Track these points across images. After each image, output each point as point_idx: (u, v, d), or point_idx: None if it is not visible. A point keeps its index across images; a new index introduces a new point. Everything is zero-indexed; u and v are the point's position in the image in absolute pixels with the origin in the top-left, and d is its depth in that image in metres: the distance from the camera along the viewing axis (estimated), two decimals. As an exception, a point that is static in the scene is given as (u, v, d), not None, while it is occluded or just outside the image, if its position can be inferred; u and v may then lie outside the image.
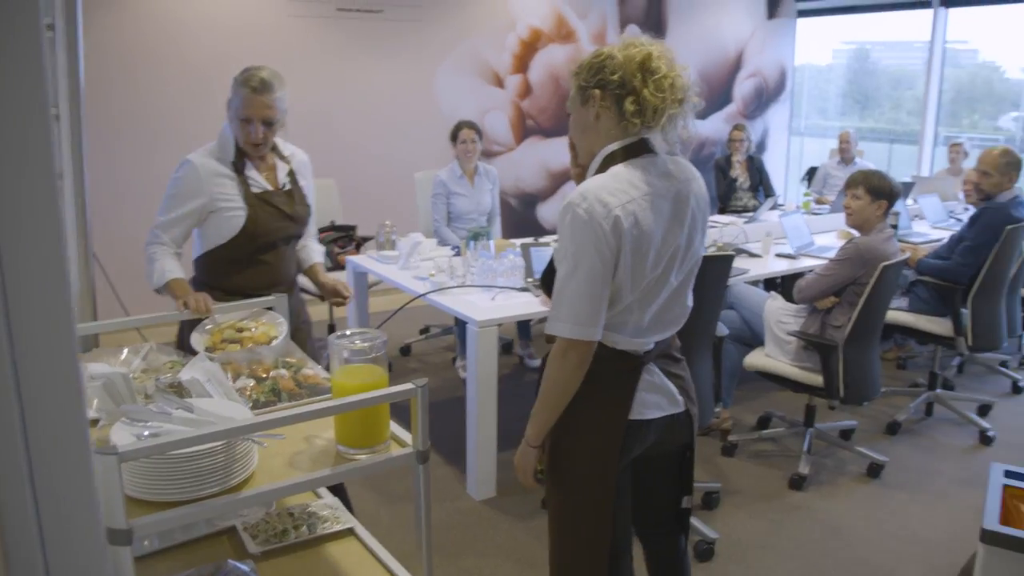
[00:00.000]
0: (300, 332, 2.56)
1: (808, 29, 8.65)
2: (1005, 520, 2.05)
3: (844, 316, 3.27)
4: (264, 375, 1.87)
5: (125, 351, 1.98)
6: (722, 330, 3.21)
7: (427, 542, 1.58)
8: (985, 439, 3.90)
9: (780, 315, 3.52)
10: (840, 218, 4.21)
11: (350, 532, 1.87)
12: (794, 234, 4.54)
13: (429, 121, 6.24)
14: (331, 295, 2.66)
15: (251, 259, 2.49)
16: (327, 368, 1.84)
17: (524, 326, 4.83)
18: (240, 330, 2.16)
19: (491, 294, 3.49)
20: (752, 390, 4.35)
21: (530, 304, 3.40)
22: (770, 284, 4.68)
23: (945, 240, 4.27)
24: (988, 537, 1.98)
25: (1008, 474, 2.22)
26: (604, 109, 1.66)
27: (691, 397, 1.86)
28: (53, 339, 0.67)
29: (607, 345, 1.69)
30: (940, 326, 4.03)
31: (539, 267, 3.61)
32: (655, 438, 1.80)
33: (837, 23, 9.06)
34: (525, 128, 6.93)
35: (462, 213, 4.72)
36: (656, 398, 1.77)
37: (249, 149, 2.43)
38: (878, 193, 3.28)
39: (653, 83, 1.61)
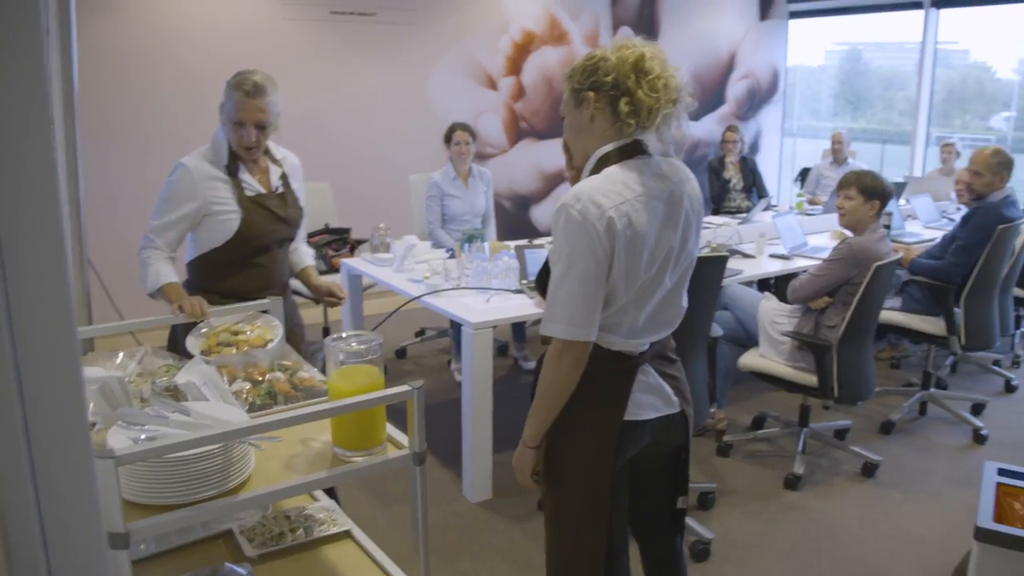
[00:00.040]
0: (294, 335, 2.56)
1: (800, 30, 8.68)
2: (999, 518, 2.07)
3: (838, 316, 3.28)
4: (260, 378, 1.87)
5: (120, 355, 1.98)
6: (716, 331, 3.22)
7: (423, 544, 1.58)
8: (979, 438, 3.92)
9: (774, 315, 3.53)
10: (833, 218, 4.23)
11: (347, 535, 1.87)
12: (787, 235, 4.56)
13: (423, 123, 6.24)
14: (326, 296, 2.66)
15: (245, 262, 2.49)
16: (322, 371, 1.84)
17: (519, 328, 4.83)
18: (235, 333, 2.16)
19: (486, 296, 3.49)
20: (747, 390, 4.36)
21: (525, 306, 3.41)
22: (764, 285, 4.69)
23: (938, 240, 4.28)
24: (982, 535, 1.99)
25: (1002, 472, 2.23)
26: (599, 111, 1.67)
27: (686, 398, 1.86)
28: (55, 343, 0.68)
29: (602, 346, 1.69)
30: (933, 326, 4.05)
31: (533, 269, 3.61)
32: (650, 439, 1.81)
33: (829, 24, 9.10)
34: (518, 130, 6.94)
35: (456, 215, 4.72)
36: (651, 399, 1.77)
37: (242, 153, 2.43)
38: (871, 193, 3.29)
39: (647, 84, 1.62)
